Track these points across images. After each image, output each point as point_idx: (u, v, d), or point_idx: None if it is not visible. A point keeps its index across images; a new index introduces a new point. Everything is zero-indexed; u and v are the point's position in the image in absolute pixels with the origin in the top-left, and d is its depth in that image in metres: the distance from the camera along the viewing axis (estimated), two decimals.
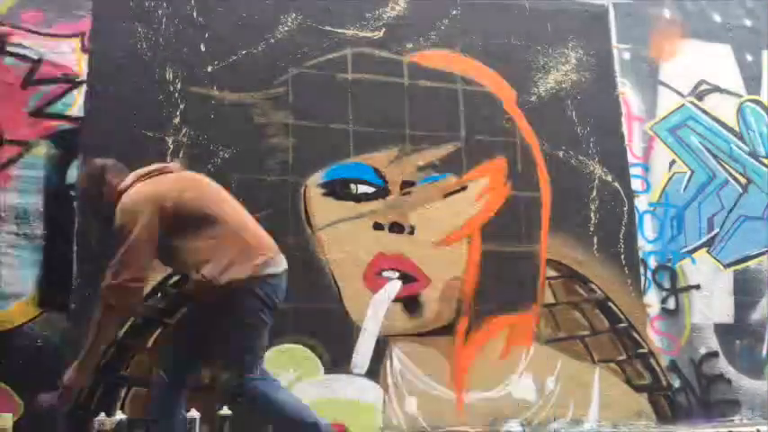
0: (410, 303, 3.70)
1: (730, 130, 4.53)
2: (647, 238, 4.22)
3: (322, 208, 3.67)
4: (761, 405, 4.20)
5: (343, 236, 3.66)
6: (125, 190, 2.77)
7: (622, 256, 4.12)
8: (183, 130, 3.56)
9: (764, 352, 4.31)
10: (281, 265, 2.84)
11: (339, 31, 3.90)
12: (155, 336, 3.32)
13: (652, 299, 4.15)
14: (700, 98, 4.50)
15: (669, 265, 4.23)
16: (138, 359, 3.29)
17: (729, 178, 4.45)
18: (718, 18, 4.69)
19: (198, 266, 2.66)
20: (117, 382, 3.25)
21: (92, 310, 3.23)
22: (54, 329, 3.23)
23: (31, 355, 3.19)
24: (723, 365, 4.20)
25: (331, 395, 3.50)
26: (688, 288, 4.23)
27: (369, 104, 3.85)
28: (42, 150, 3.37)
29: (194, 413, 2.91)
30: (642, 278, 4.14)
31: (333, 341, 3.55)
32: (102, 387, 3.23)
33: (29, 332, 3.21)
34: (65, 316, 3.25)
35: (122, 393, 3.25)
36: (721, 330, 4.24)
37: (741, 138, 4.53)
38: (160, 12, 3.67)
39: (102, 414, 3.05)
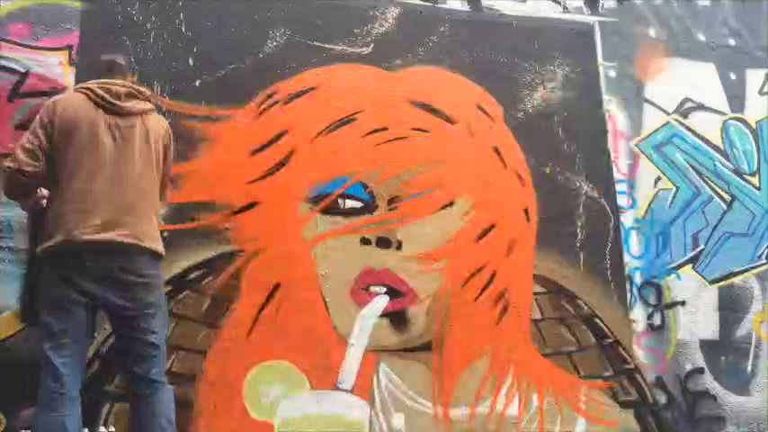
0: (397, 318, 3.69)
1: (714, 147, 4.56)
2: (633, 254, 4.24)
3: (310, 222, 3.67)
4: (746, 421, 4.21)
5: (331, 250, 3.66)
6: None
7: (608, 272, 4.13)
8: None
9: (749, 368, 4.33)
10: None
11: (328, 46, 3.92)
12: None
13: (638, 315, 4.17)
14: (684, 116, 4.54)
15: (655, 281, 4.25)
16: (121, 375, 3.26)
17: (714, 195, 4.48)
18: (702, 37, 4.75)
19: None
20: (100, 397, 3.22)
21: None
22: (37, 344, 3.19)
23: (14, 369, 3.15)
24: (708, 381, 4.21)
25: (317, 411, 3.48)
26: (673, 304, 4.25)
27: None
28: None
29: None
30: (628, 294, 4.16)
31: (319, 356, 3.54)
32: (85, 403, 3.19)
33: (11, 347, 3.18)
34: None
35: (106, 409, 3.22)
36: (707, 346, 4.25)
37: (725, 155, 4.57)
38: (148, 25, 3.68)
39: (86, 430, 3.02)
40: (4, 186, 2.77)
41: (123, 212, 2.65)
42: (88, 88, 2.77)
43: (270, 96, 3.75)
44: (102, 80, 2.82)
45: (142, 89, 2.90)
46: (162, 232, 3.41)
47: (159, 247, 2.77)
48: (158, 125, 2.90)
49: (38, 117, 2.72)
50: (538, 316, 3.93)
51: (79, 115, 2.70)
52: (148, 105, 2.88)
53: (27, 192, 2.80)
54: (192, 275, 3.45)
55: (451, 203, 3.90)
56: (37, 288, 2.96)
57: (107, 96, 2.74)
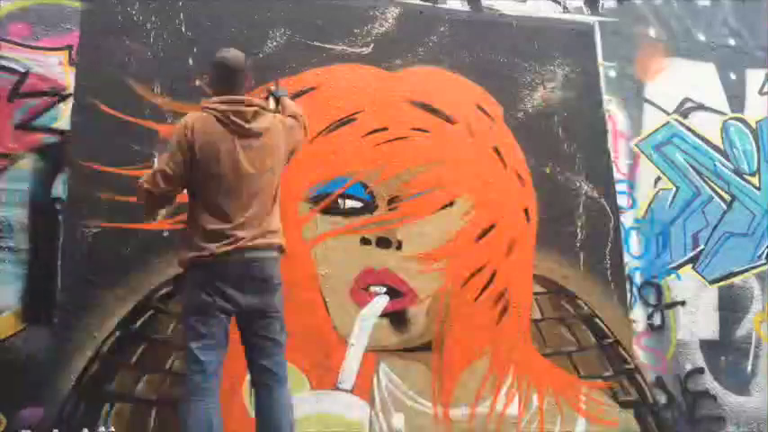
0: (397, 318, 3.69)
1: (714, 147, 4.57)
2: (633, 254, 4.24)
3: (310, 222, 3.67)
4: (746, 421, 4.21)
5: (331, 250, 3.66)
6: None
7: (608, 272, 4.13)
8: None
9: (749, 368, 4.33)
10: None
11: (328, 46, 3.92)
12: (139, 351, 3.30)
13: (638, 315, 4.17)
14: (684, 116, 4.55)
15: (655, 281, 4.25)
16: (121, 375, 3.27)
17: (714, 195, 4.48)
18: (702, 37, 4.75)
19: None
20: (101, 398, 3.22)
21: (76, 325, 3.24)
22: (37, 344, 3.21)
23: (14, 369, 3.15)
24: (708, 381, 4.21)
25: (317, 411, 3.48)
26: (673, 304, 4.25)
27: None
28: (28, 164, 3.36)
29: None
30: (628, 294, 4.16)
31: (319, 356, 3.54)
32: (85, 403, 3.20)
33: (11, 347, 3.18)
34: (48, 330, 3.22)
35: (106, 409, 3.22)
36: (706, 346, 4.26)
37: (725, 155, 4.58)
38: (149, 26, 3.67)
39: (86, 430, 3.03)
40: (144, 206, 2.95)
41: (262, 229, 2.87)
42: (219, 111, 2.86)
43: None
44: (230, 98, 2.90)
45: (262, 103, 3.03)
46: (162, 231, 3.46)
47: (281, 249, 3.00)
48: (279, 126, 3.01)
49: (174, 141, 2.83)
50: (538, 316, 3.94)
51: (217, 145, 2.82)
52: (270, 118, 2.99)
53: (162, 207, 3.12)
54: None
55: (451, 203, 3.90)
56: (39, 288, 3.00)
57: (238, 121, 2.85)
